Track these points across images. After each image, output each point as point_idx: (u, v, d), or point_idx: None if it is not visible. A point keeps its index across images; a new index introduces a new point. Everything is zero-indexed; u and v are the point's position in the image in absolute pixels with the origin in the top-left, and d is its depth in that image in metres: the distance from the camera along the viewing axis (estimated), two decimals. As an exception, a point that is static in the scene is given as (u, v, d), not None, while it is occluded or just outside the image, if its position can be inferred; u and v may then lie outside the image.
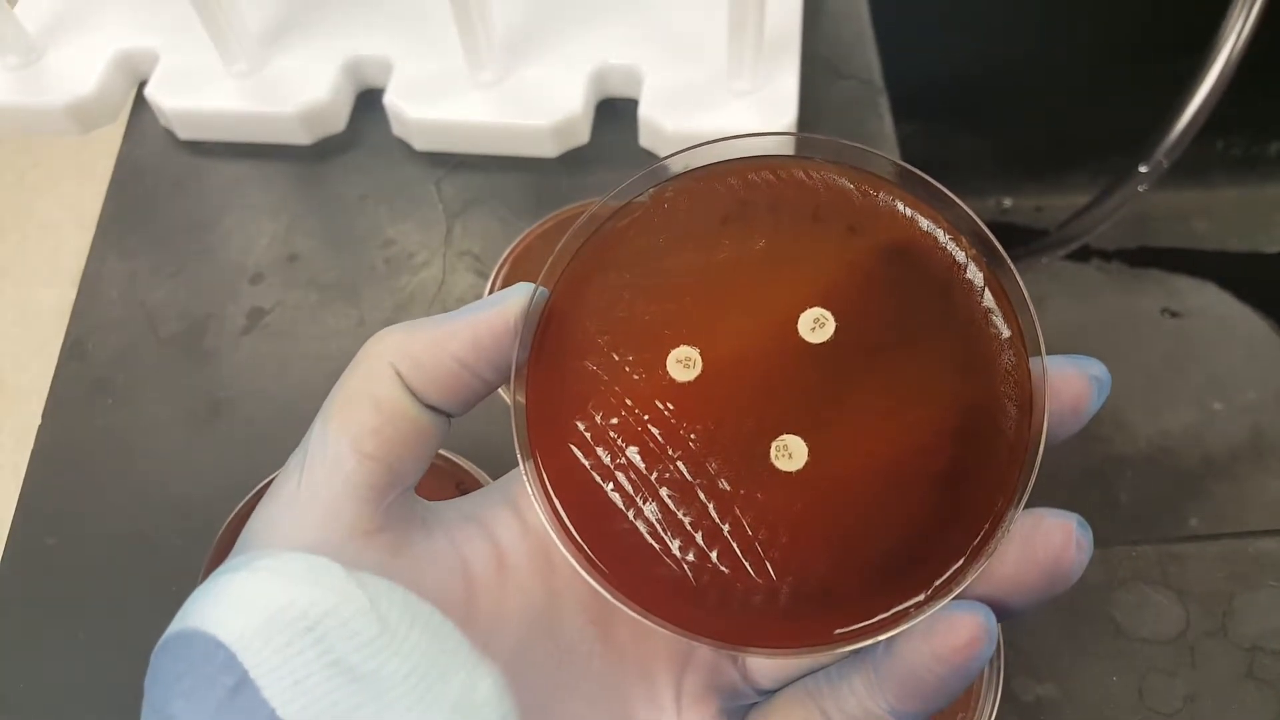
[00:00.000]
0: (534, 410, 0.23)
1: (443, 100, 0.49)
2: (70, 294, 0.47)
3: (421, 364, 0.23)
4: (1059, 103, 0.75)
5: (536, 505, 0.23)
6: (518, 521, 0.24)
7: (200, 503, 0.42)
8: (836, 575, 0.22)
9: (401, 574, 0.23)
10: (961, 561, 0.21)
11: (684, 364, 0.23)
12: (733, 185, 0.25)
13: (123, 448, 0.44)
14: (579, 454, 0.23)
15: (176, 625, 0.22)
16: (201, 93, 0.50)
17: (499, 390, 0.41)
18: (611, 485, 0.23)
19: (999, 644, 0.35)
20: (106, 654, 0.39)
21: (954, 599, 0.21)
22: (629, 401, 0.23)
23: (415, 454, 0.24)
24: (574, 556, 0.22)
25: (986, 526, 0.22)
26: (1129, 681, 0.37)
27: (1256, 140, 0.78)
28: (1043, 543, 0.21)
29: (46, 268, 0.49)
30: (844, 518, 0.22)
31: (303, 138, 0.50)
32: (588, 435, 0.23)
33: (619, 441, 0.23)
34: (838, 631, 0.22)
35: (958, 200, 0.23)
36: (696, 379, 0.23)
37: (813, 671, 0.23)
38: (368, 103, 0.51)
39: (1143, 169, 0.58)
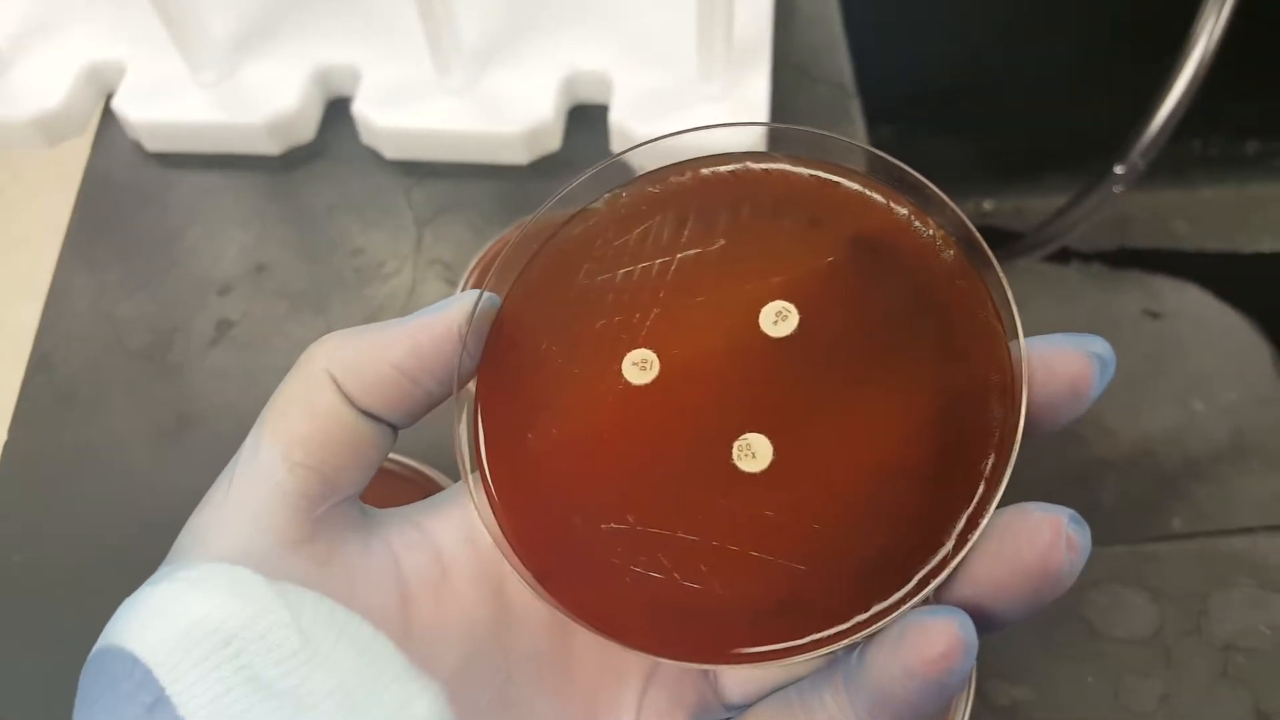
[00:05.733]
0: (484, 420, 0.23)
1: (412, 108, 0.48)
2: (41, 305, 0.47)
3: (359, 371, 0.22)
4: (1035, 104, 0.75)
5: (481, 521, 0.22)
6: (466, 529, 0.23)
7: (168, 516, 0.41)
8: (807, 579, 0.21)
9: (331, 586, 0.22)
10: (943, 554, 0.20)
11: (640, 366, 0.22)
12: (689, 186, 0.24)
13: (90, 461, 0.43)
14: (530, 465, 0.22)
15: (99, 642, 0.21)
16: (169, 104, 0.49)
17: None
18: (564, 496, 0.22)
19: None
20: (73, 669, 0.39)
21: (932, 605, 0.20)
22: (584, 408, 0.22)
23: (353, 463, 0.23)
24: (525, 574, 0.21)
25: (965, 517, 0.20)
26: (1104, 683, 0.37)
27: (1234, 140, 0.78)
28: (1028, 540, 0.19)
29: (21, 283, 0.49)
30: (814, 518, 0.21)
31: (271, 148, 0.50)
32: (539, 445, 0.22)
33: (573, 450, 0.22)
34: (810, 638, 0.20)
35: (927, 182, 0.23)
36: (653, 381, 0.22)
37: (786, 685, 0.22)
38: (337, 112, 0.51)
39: (1118, 170, 0.58)
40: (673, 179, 0.24)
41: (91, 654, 0.21)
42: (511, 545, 0.22)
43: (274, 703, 0.20)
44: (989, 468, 0.21)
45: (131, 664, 0.20)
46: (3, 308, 0.48)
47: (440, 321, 0.22)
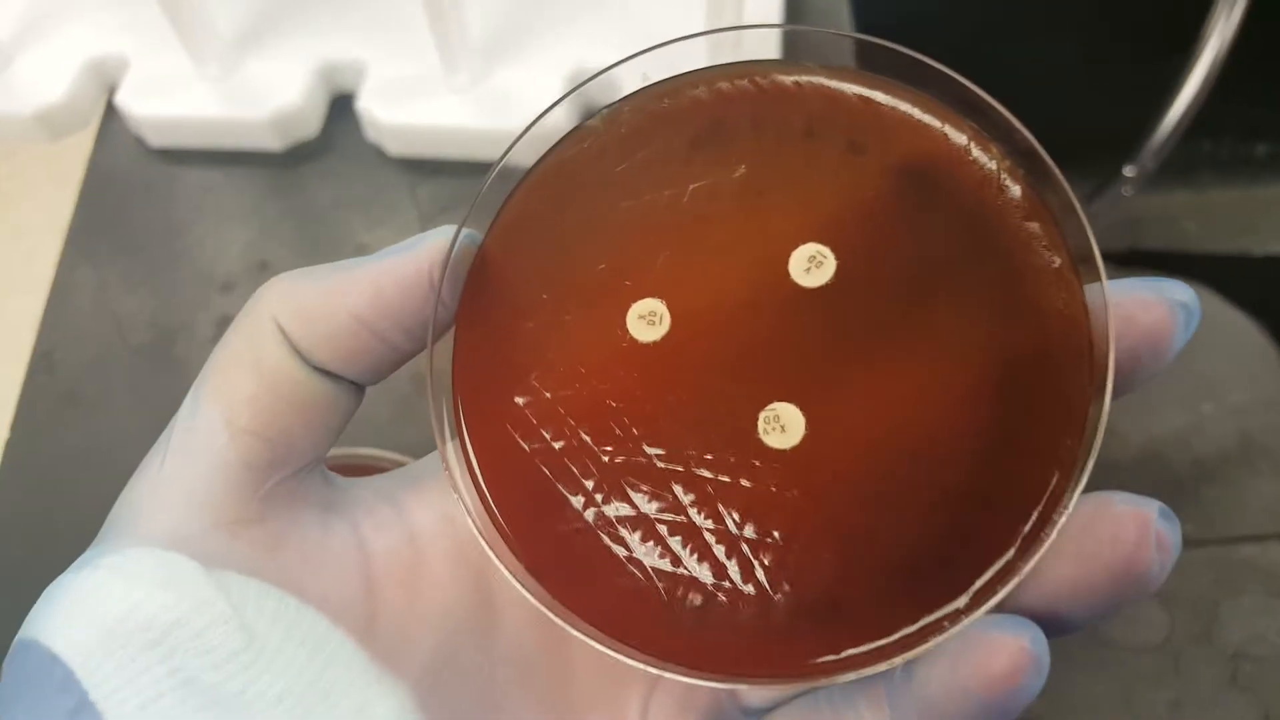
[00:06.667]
0: (463, 382, 0.19)
1: (417, 104, 0.48)
2: (43, 302, 0.47)
3: (312, 321, 0.19)
4: (1045, 105, 0.75)
5: (462, 500, 0.18)
6: (446, 506, 0.21)
7: (169, 515, 0.41)
8: (845, 580, 0.18)
9: (282, 573, 0.19)
10: (1006, 558, 0.17)
11: (647, 320, 0.19)
12: (704, 100, 0.20)
13: (91, 459, 0.43)
14: (518, 436, 0.19)
15: (20, 633, 0.19)
16: (172, 99, 0.49)
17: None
18: (560, 474, 0.19)
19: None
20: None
21: (996, 610, 0.17)
22: (581, 370, 0.19)
23: (307, 428, 0.20)
24: (509, 565, 0.18)
25: (1037, 512, 0.17)
26: (1114, 690, 0.36)
27: (1244, 141, 0.77)
28: (1110, 537, 0.16)
29: (20, 276, 0.49)
30: (853, 506, 0.18)
31: (274, 143, 0.49)
32: (530, 413, 0.19)
33: (569, 419, 0.19)
34: (848, 653, 0.17)
35: (991, 100, 0.19)
36: (664, 338, 0.19)
37: (814, 689, 0.19)
38: (341, 108, 0.51)
39: (1128, 172, 0.58)
40: (684, 92, 0.20)
41: (13, 645, 0.19)
42: (495, 533, 0.19)
43: (214, 710, 0.18)
44: (1065, 450, 0.17)
45: (51, 663, 0.18)
46: (2, 300, 0.48)
47: (409, 264, 0.19)
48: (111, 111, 0.51)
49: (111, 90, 0.51)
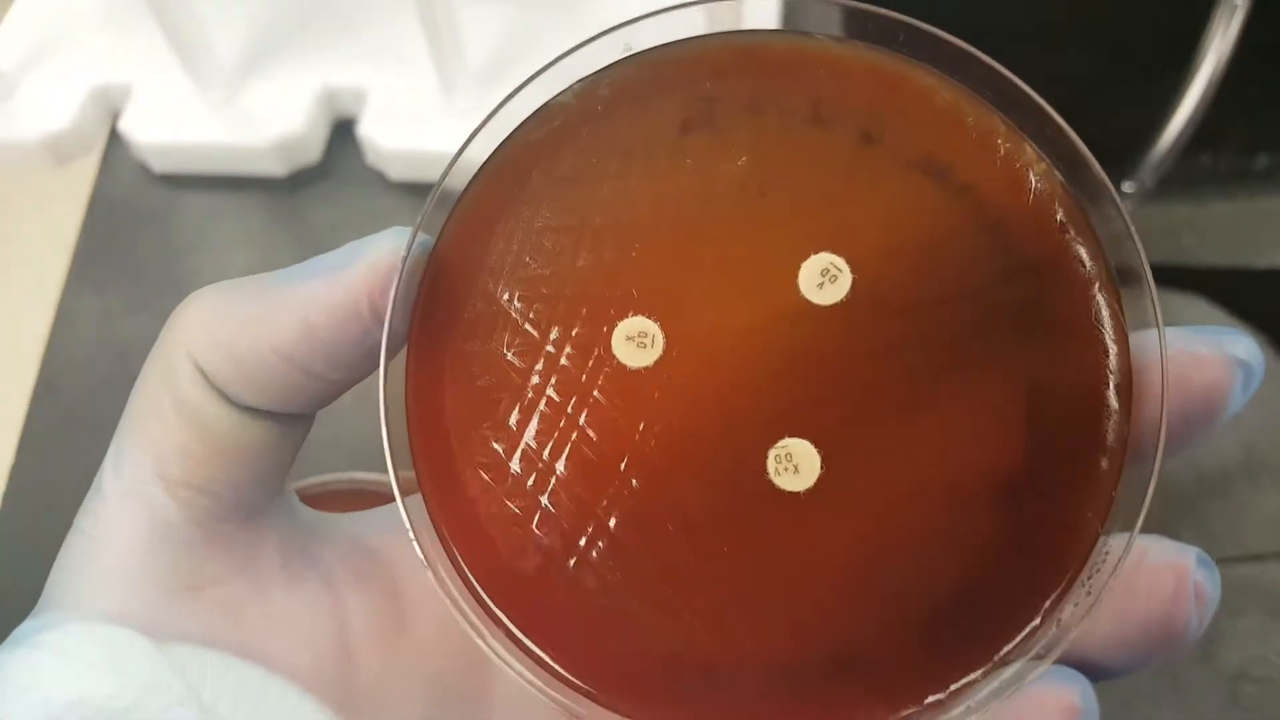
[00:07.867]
0: (418, 417, 0.17)
1: (418, 129, 0.48)
2: (48, 328, 0.47)
3: (233, 358, 0.16)
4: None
5: (421, 556, 0.16)
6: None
7: (173, 540, 0.41)
8: (867, 638, 0.16)
9: (245, 641, 0.17)
10: (1042, 614, 0.16)
11: (637, 342, 0.17)
12: (696, 76, 0.18)
13: (96, 485, 0.43)
14: (488, 479, 0.16)
15: None
16: (175, 125, 0.49)
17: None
18: (538, 522, 0.16)
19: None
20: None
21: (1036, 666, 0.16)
22: (558, 398, 0.17)
23: (251, 471, 0.17)
24: (483, 632, 0.16)
25: (1075, 568, 0.16)
26: (1113, 711, 0.36)
27: (1244, 154, 0.77)
28: (1145, 590, 0.15)
29: (26, 301, 0.49)
30: (874, 556, 0.16)
31: (277, 169, 0.50)
32: (500, 450, 0.17)
33: (546, 458, 0.16)
34: None
35: (1023, 85, 0.17)
36: (656, 363, 0.17)
37: None
38: (343, 133, 0.51)
39: (1127, 188, 0.58)
40: (670, 66, 0.18)
41: None
42: (467, 594, 0.16)
43: None
44: (1107, 499, 0.16)
45: None
46: (7, 321, 0.48)
47: (339, 291, 0.16)
48: (115, 138, 0.52)
49: (115, 117, 0.52)
